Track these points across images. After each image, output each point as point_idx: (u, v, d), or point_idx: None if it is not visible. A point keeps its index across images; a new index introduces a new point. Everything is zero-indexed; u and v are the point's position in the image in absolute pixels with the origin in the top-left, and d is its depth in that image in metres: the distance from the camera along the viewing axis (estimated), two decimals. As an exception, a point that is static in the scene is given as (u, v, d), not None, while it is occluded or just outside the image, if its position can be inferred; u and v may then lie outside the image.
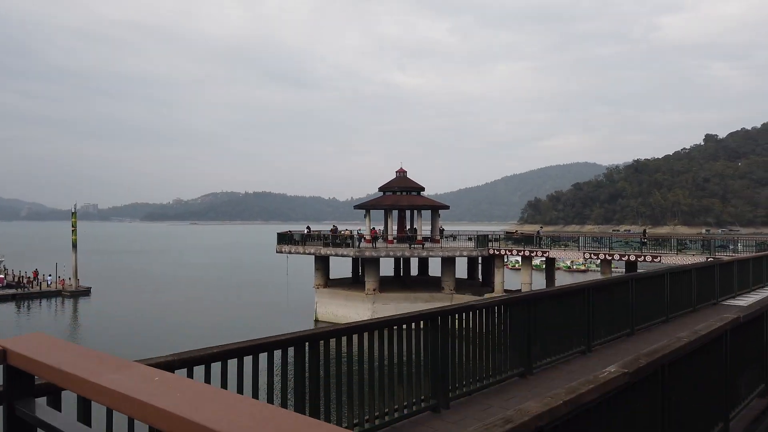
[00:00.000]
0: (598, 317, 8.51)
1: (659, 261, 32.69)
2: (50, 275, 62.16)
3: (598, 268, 77.75)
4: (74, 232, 64.26)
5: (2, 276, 63.41)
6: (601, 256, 34.86)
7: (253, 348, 4.22)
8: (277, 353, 4.42)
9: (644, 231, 36.49)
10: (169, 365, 3.68)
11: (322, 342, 4.73)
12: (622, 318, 9.33)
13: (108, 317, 46.66)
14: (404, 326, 5.44)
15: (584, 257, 36.82)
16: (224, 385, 3.96)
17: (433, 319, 5.77)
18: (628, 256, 33.89)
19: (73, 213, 67.88)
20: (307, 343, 4.62)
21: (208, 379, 3.93)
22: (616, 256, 34.25)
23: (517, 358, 6.96)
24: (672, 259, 32.55)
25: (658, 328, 10.32)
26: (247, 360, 4.21)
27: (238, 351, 4.13)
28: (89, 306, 53.24)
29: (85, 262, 70.79)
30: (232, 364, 4.11)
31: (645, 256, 33.12)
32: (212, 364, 3.96)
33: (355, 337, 4.97)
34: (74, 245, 63.00)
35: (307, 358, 4.61)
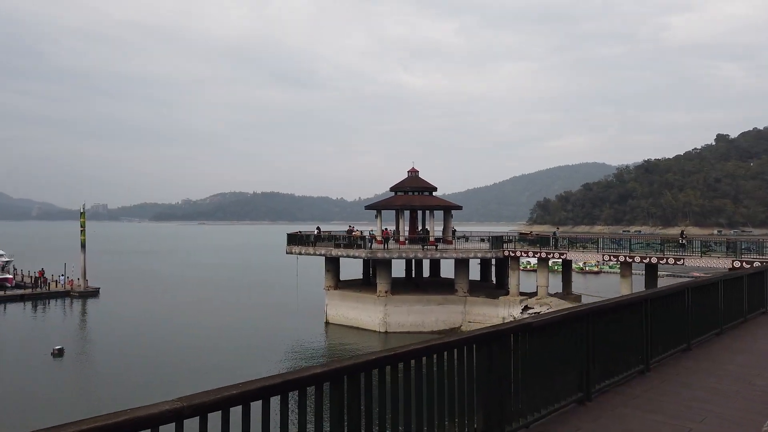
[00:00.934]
0: (655, 331, 7.61)
1: (682, 264, 31.62)
2: (62, 275, 61.85)
3: (611, 270, 77.24)
4: (83, 232, 63.89)
5: (11, 276, 63.13)
6: (621, 258, 33.77)
7: (282, 386, 3.37)
8: (310, 390, 3.56)
9: (682, 232, 35.29)
10: (177, 414, 2.84)
11: (363, 374, 3.86)
12: (679, 331, 8.42)
13: (117, 318, 46.10)
14: (455, 351, 4.58)
15: (603, 259, 35.74)
16: None
17: (486, 342, 4.90)
18: (650, 258, 32.80)
19: (81, 213, 67.52)
20: (346, 377, 3.76)
21: (226, 429, 3.08)
22: (637, 258, 33.15)
23: (575, 382, 6.08)
24: (696, 262, 31.48)
25: (714, 341, 9.40)
26: (274, 400, 3.35)
27: (263, 391, 3.28)
28: (98, 307, 52.74)
29: (95, 263, 70.41)
30: (256, 406, 3.26)
31: (667, 258, 32.02)
32: (231, 409, 3.11)
33: (390, 367, 4.10)
34: (83, 245, 62.59)
35: (346, 395, 3.75)
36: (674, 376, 7.30)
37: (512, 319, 37.18)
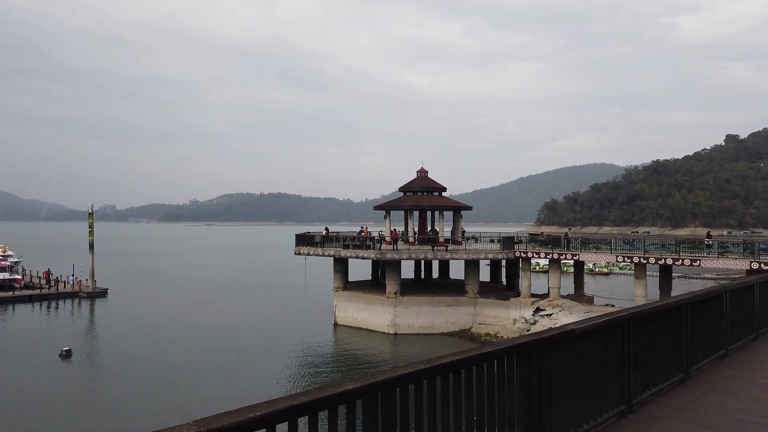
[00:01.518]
0: (694, 337, 7.16)
1: (698, 265, 30.99)
2: (72, 276, 61.89)
3: (622, 271, 76.46)
4: (91, 233, 63.84)
5: (20, 277, 63.17)
6: (636, 259, 33.15)
7: (310, 405, 2.96)
8: (341, 409, 3.15)
9: (708, 233, 34.68)
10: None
11: (398, 390, 3.45)
12: (716, 337, 7.95)
13: (124, 319, 45.91)
14: (495, 361, 4.16)
15: (617, 260, 35.13)
16: None
17: (526, 351, 4.48)
18: (665, 259, 32.17)
19: (90, 214, 67.45)
20: (380, 393, 3.34)
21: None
22: (652, 260, 32.54)
23: (617, 393, 5.64)
24: (713, 263, 30.82)
25: (750, 346, 8.92)
26: (302, 422, 2.94)
27: (290, 411, 2.86)
28: (106, 308, 52.60)
29: (103, 263, 70.40)
30: (281, 429, 2.85)
31: (683, 259, 31.39)
32: (255, 433, 2.70)
33: (427, 380, 3.69)
34: (91, 246, 62.55)
35: (380, 413, 3.33)
36: (716, 384, 6.84)
37: (523, 321, 36.68)
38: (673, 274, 40.77)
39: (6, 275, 60.79)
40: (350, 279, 45.70)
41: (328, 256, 43.45)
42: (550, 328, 4.95)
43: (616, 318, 5.60)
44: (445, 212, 47.35)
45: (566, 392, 4.90)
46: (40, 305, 53.64)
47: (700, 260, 30.98)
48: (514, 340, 4.47)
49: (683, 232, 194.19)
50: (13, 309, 51.34)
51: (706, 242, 31.51)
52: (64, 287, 60.14)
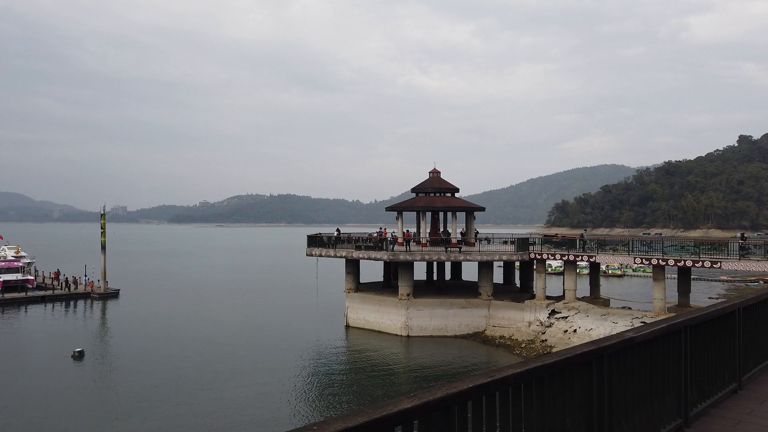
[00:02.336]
0: (747, 344, 6.72)
1: (719, 267, 30.29)
2: (84, 276, 62.08)
3: (636, 273, 75.53)
4: (103, 234, 63.96)
5: (32, 278, 63.41)
6: (654, 261, 32.51)
7: (365, 428, 2.57)
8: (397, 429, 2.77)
9: (742, 234, 34.00)
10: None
11: (457, 408, 3.06)
12: (766, 344, 7.49)
13: (136, 320, 45.83)
14: (555, 374, 3.76)
15: (635, 262, 34.49)
16: None
17: (586, 364, 4.08)
18: (684, 261, 31.52)
19: (102, 215, 67.64)
20: (437, 412, 2.95)
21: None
22: (671, 261, 31.89)
23: (673, 406, 5.22)
24: (734, 265, 30.16)
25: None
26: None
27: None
28: (118, 308, 52.61)
29: (114, 264, 70.48)
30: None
31: (703, 261, 30.72)
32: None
33: (486, 396, 3.29)
34: (103, 247, 62.66)
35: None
36: None
37: (538, 324, 36.12)
38: (694, 277, 40.05)
39: (19, 276, 61.04)
40: (362, 280, 45.34)
41: (340, 257, 43.11)
42: (609, 336, 4.54)
43: (674, 324, 5.18)
44: (457, 213, 46.87)
45: (625, 406, 4.51)
46: (53, 306, 53.74)
47: (720, 262, 30.30)
48: (573, 349, 4.07)
49: (696, 233, 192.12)
50: (26, 310, 51.45)
51: (740, 243, 30.77)
52: (76, 288, 60.27)
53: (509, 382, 3.40)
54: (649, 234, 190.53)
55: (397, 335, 38.99)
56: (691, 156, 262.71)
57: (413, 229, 48.21)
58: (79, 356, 32.87)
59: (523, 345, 34.92)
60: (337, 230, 47.01)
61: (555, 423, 3.81)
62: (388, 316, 40.29)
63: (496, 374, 3.36)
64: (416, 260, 40.12)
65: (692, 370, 5.47)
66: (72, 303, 55.49)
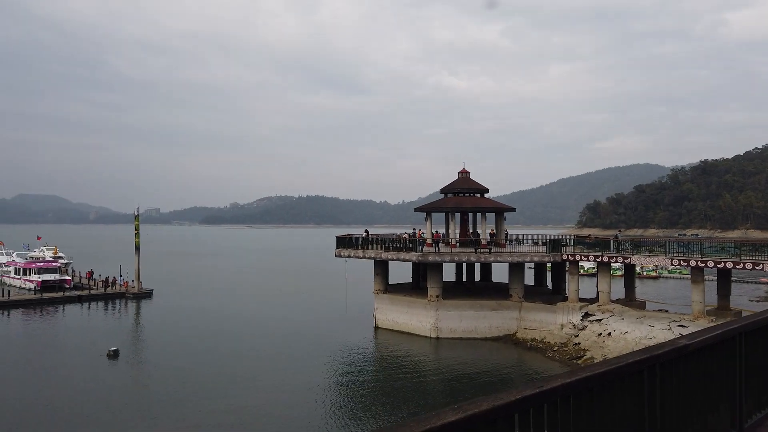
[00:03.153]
0: None
1: (761, 269, 29.20)
2: (122, 276, 63.54)
3: (671, 275, 73.58)
4: (137, 235, 65.27)
5: (69, 278, 65.11)
6: (693, 263, 31.52)
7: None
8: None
9: None
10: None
11: (518, 415, 2.88)
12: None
13: (170, 320, 46.62)
14: (605, 384, 3.54)
15: (672, 263, 33.52)
16: None
17: (637, 373, 3.83)
18: (724, 262, 30.48)
19: (136, 217, 69.05)
20: (486, 425, 2.76)
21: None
22: (710, 263, 30.87)
23: (727, 418, 4.92)
24: (778, 267, 28.99)
25: None
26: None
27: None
28: (151, 308, 53.62)
29: (148, 265, 71.84)
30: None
31: (744, 263, 29.65)
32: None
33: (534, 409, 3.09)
34: (137, 248, 63.94)
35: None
36: None
37: (571, 327, 35.40)
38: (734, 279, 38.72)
39: (57, 276, 62.75)
40: (390, 282, 45.19)
41: (369, 258, 43.03)
42: (661, 343, 4.28)
43: (729, 331, 4.88)
44: (487, 214, 46.35)
45: (678, 417, 4.24)
46: (89, 305, 55.05)
47: (763, 264, 29.20)
48: (623, 358, 3.83)
49: (734, 234, 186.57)
50: (63, 309, 52.82)
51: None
52: (112, 288, 61.66)
53: (558, 393, 3.19)
54: (685, 234, 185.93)
55: (426, 337, 38.73)
56: (729, 155, 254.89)
57: (442, 230, 47.84)
58: (114, 355, 33.53)
59: (555, 348, 34.27)
60: (366, 231, 46.96)
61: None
62: (417, 318, 40.05)
63: (544, 385, 3.15)
64: (446, 261, 39.78)
65: (747, 379, 5.16)
66: (107, 303, 56.77)
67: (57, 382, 28.86)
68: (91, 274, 67.50)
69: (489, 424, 2.82)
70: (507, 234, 45.90)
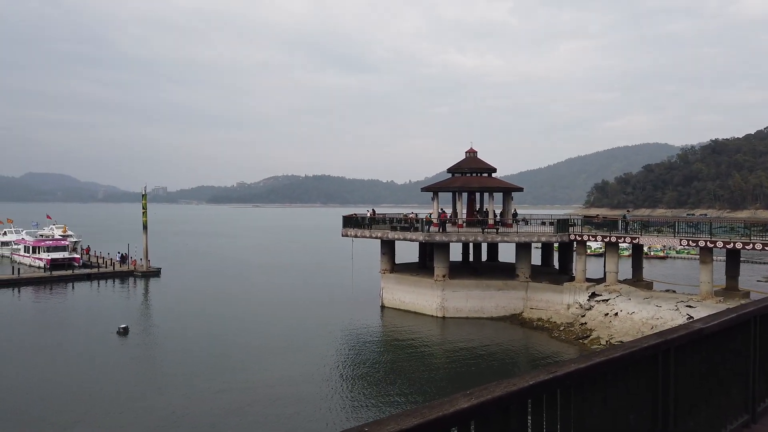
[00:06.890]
0: None
1: (772, 250, 28.95)
2: (128, 254, 64.05)
3: (679, 255, 73.25)
4: (144, 213, 65.52)
5: (78, 256, 65.64)
6: (702, 243, 31.31)
7: (421, 429, 2.35)
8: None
9: None
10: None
11: (531, 402, 2.83)
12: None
13: (178, 297, 47.03)
14: (619, 369, 3.47)
15: (681, 244, 33.32)
16: None
17: (651, 357, 3.76)
18: (734, 243, 30.26)
19: (143, 195, 69.27)
20: (496, 410, 2.71)
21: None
22: (720, 244, 30.66)
23: (740, 401, 4.87)
24: (788, 248, 28.74)
25: None
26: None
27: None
28: (159, 286, 54.07)
29: (156, 243, 72.24)
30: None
31: (754, 243, 29.42)
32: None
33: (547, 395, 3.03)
34: (145, 227, 64.26)
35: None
36: None
37: (578, 307, 35.40)
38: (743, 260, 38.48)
39: (66, 254, 63.30)
40: (397, 261, 45.25)
41: (376, 238, 43.04)
42: (675, 327, 4.20)
43: (744, 314, 4.80)
44: (494, 194, 46.11)
45: (691, 401, 4.19)
46: (98, 283, 55.56)
47: (773, 245, 28.94)
48: (638, 342, 3.76)
49: (743, 214, 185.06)
50: (73, 287, 53.34)
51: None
52: (121, 266, 62.13)
53: (572, 378, 3.13)
54: (693, 215, 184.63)
55: (432, 316, 38.88)
56: (740, 134, 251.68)
57: (449, 210, 47.68)
58: (123, 332, 33.90)
59: (561, 328, 34.32)
60: (372, 210, 46.88)
61: (618, 420, 3.53)
62: (423, 297, 40.16)
63: (557, 370, 3.09)
64: (452, 241, 39.73)
65: (761, 362, 5.09)
66: (116, 281, 57.27)
67: (67, 358, 29.24)
68: (88, 250, 68.34)
69: (502, 410, 2.77)
70: (515, 213, 45.70)
